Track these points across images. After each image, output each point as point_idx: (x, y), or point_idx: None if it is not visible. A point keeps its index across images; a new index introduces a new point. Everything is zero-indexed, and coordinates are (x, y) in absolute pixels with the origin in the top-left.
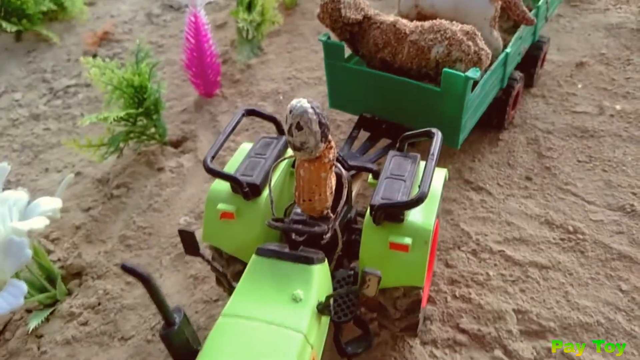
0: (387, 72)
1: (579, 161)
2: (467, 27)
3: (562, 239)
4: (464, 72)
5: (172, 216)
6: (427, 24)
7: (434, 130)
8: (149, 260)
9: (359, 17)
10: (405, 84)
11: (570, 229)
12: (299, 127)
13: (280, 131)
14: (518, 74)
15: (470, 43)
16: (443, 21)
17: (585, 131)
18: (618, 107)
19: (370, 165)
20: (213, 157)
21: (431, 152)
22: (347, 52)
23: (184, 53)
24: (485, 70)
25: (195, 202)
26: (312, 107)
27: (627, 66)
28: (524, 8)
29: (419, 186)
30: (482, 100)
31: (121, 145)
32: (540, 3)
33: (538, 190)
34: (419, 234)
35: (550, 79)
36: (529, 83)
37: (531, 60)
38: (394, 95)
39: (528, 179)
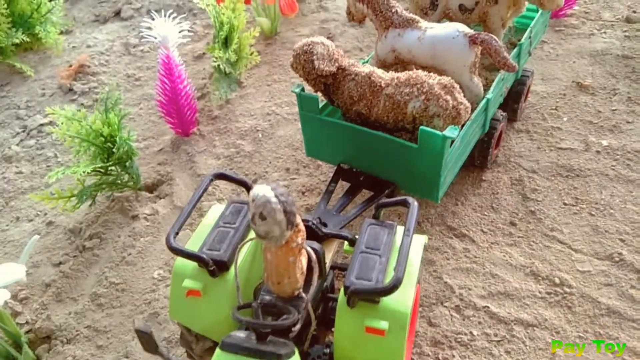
0: (363, 124)
1: (565, 204)
2: (445, 80)
3: (548, 293)
4: (442, 127)
5: (146, 269)
6: (403, 76)
7: (410, 199)
8: (121, 319)
9: (333, 69)
10: (381, 139)
11: (557, 280)
12: (262, 217)
13: None
14: (500, 114)
15: (448, 97)
16: (420, 73)
17: (571, 170)
18: (604, 142)
19: (345, 234)
20: (177, 233)
21: (407, 227)
22: (323, 100)
23: (158, 93)
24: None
25: (170, 254)
26: (276, 196)
27: (613, 96)
28: (505, 54)
29: (395, 269)
30: (462, 151)
31: (93, 193)
32: (523, 40)
33: (523, 237)
34: (396, 317)
35: (535, 112)
36: (512, 117)
37: (514, 96)
38: (371, 148)
39: (512, 224)
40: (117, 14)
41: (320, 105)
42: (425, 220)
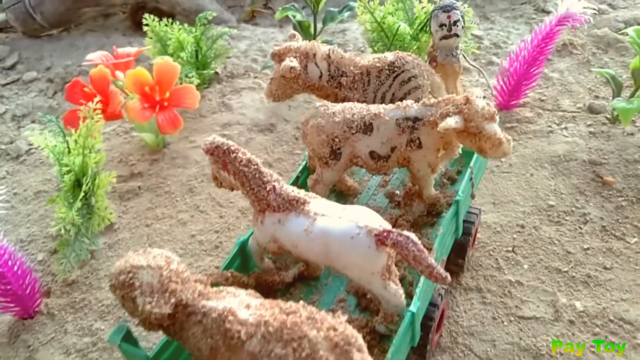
0: None
1: None
2: (336, 334)
3: None
4: None
5: None
6: (276, 321)
7: None
8: None
9: (165, 310)
10: None
11: None
12: None
13: None
14: (439, 293)
15: None
16: (298, 318)
17: (538, 356)
18: (578, 305)
19: None
20: None
21: None
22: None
23: None
24: None
25: None
26: None
27: (583, 226)
28: (430, 261)
29: None
30: None
31: None
32: (459, 193)
33: None
34: None
35: (487, 255)
36: (457, 270)
37: (458, 250)
38: None
39: None
40: None
41: (161, 343)
42: None
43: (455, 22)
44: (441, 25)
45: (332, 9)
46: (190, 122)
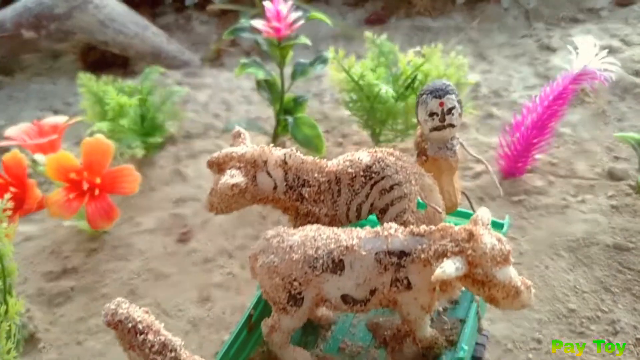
0: None
1: None
2: None
3: None
4: None
5: None
6: None
7: None
8: None
9: None
10: None
11: None
12: None
13: None
14: None
15: None
16: None
17: None
18: None
19: None
20: None
21: None
22: None
23: None
24: None
25: None
26: None
27: (613, 336)
28: None
29: None
30: None
31: None
32: (463, 346)
33: None
34: None
35: None
36: None
37: None
38: None
39: None
40: None
41: None
42: None
43: (449, 110)
44: (431, 115)
45: (302, 60)
46: (136, 198)
